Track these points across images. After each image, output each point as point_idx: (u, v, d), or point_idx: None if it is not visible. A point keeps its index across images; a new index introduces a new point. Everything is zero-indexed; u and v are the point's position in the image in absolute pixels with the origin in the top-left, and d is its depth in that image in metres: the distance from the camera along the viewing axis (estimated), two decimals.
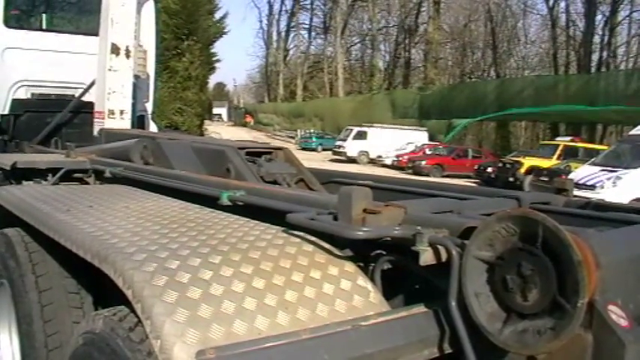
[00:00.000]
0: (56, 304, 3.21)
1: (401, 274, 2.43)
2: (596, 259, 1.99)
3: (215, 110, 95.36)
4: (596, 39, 47.93)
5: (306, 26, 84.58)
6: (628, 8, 47.71)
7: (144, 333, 1.98)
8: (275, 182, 4.44)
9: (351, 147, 40.61)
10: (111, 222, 2.86)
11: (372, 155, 39.67)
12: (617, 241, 2.43)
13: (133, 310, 2.05)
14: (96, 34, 7.25)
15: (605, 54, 48.36)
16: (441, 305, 2.14)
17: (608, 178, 17.36)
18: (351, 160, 38.94)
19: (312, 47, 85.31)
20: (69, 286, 3.26)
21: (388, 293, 2.39)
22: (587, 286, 1.86)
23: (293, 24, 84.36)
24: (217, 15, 44.25)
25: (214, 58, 45.96)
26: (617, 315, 2.07)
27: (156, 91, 9.67)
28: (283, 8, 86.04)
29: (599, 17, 47.30)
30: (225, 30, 46.00)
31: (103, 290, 2.71)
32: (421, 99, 49.82)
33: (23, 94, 7.71)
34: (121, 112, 6.99)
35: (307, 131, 57.63)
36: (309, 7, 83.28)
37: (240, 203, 3.18)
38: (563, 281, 1.89)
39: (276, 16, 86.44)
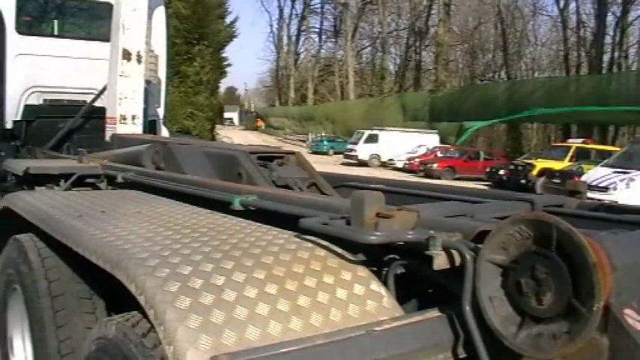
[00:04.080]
0: (69, 309, 3.22)
1: (414, 278, 2.42)
2: (611, 262, 1.98)
3: (226, 114, 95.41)
4: (607, 40, 47.69)
5: (317, 30, 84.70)
6: (639, 9, 47.47)
7: (157, 339, 1.98)
8: (287, 187, 4.43)
9: (363, 150, 40.58)
10: (123, 227, 2.86)
11: (384, 158, 39.61)
12: (632, 244, 2.41)
13: (145, 316, 2.05)
14: (107, 40, 7.27)
15: (616, 55, 48.15)
16: (455, 309, 2.13)
17: (621, 180, 17.25)
18: (363, 164, 38.90)
19: (322, 51, 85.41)
20: (81, 291, 3.27)
21: (402, 298, 2.38)
22: (603, 289, 1.85)
23: (303, 28, 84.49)
24: (227, 19, 44.50)
25: (225, 63, 46.24)
26: (633, 318, 2.05)
27: (167, 95, 9.69)
28: (293, 12, 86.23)
29: (610, 18, 47.06)
30: (236, 34, 46.24)
31: (116, 296, 2.71)
32: (432, 101, 49.76)
33: (35, 100, 7.74)
34: (133, 118, 7.01)
35: (318, 135, 57.67)
36: (319, 10, 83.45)
37: (252, 208, 3.18)
38: (577, 284, 1.87)
39: (287, 20, 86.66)
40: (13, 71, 7.48)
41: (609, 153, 23.58)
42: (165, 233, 2.69)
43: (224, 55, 44.94)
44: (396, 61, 74.24)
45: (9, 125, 7.59)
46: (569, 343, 1.86)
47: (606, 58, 47.84)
